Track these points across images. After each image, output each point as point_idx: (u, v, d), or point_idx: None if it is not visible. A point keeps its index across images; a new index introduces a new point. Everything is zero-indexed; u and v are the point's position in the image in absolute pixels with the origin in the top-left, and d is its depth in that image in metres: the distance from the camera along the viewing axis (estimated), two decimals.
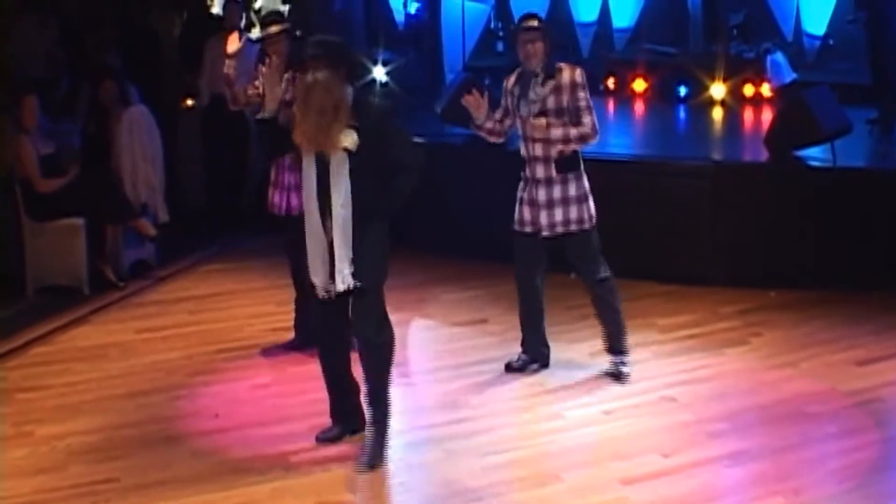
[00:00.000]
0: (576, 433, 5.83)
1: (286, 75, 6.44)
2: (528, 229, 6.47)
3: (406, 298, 7.90)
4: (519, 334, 6.75)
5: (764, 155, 8.67)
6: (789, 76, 11.62)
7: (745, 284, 8.14)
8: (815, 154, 8.51)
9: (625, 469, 5.36)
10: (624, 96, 12.51)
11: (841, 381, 6.44)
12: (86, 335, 7.55)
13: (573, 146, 6.32)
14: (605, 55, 13.39)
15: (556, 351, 6.76)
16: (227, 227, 10.04)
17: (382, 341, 5.45)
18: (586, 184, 6.43)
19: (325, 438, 5.70)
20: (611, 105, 12.30)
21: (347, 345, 5.60)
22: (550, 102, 6.30)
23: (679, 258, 8.42)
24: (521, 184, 6.49)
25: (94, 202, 8.36)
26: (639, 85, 12.46)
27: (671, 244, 8.43)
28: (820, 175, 8.37)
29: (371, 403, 5.52)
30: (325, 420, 5.76)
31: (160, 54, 10.89)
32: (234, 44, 6.83)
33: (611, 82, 12.73)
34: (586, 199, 6.41)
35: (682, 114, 11.89)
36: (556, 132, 6.27)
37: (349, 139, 5.19)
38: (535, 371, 6.64)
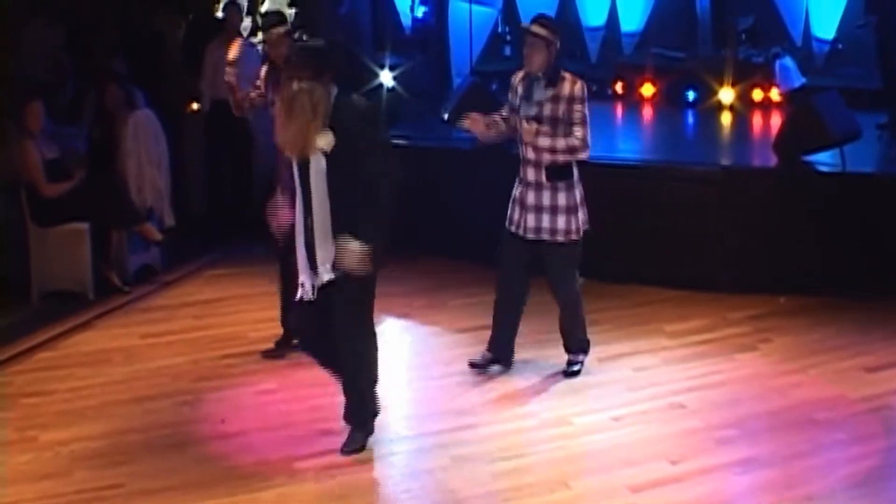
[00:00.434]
0: (584, 440, 5.80)
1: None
2: (513, 228, 6.47)
3: (413, 304, 7.91)
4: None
5: (773, 160, 8.63)
6: (798, 81, 11.60)
7: (753, 290, 8.09)
8: (824, 159, 8.47)
9: (633, 476, 5.34)
10: (632, 101, 12.46)
11: (850, 388, 6.40)
12: (90, 340, 7.52)
13: (560, 157, 6.28)
14: (613, 59, 13.35)
15: (564, 357, 6.71)
16: (233, 231, 10.01)
17: (364, 349, 5.51)
18: (578, 195, 6.38)
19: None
20: (619, 109, 12.27)
21: (334, 344, 5.58)
22: (547, 110, 6.27)
23: (687, 263, 8.37)
24: (516, 182, 6.47)
25: (100, 207, 8.33)
26: (647, 89, 12.41)
27: (679, 249, 8.38)
28: (829, 180, 8.32)
29: (356, 410, 5.60)
30: (331, 426, 5.74)
31: (165, 58, 10.88)
32: (234, 50, 6.83)
33: (619, 87, 12.68)
34: (576, 211, 6.36)
35: (690, 118, 11.84)
36: (544, 141, 6.24)
37: (324, 139, 5.24)
38: (500, 373, 6.64)
